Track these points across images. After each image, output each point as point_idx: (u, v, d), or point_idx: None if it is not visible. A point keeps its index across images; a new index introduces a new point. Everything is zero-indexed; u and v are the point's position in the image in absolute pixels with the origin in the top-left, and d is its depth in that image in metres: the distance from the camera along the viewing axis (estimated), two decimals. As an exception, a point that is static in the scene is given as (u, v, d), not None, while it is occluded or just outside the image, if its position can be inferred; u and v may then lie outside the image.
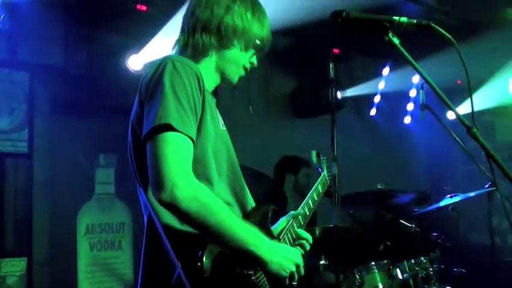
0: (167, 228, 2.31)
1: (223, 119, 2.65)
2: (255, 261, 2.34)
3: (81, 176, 5.84)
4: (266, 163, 6.03)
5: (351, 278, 4.89)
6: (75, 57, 5.69)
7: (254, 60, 2.75)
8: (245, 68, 2.72)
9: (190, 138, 2.25)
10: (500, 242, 6.54)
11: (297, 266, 2.49)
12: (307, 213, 3.10)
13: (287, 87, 7.42)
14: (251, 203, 2.71)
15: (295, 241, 2.84)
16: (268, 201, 2.77)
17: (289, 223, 2.87)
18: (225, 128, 2.62)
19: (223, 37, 2.59)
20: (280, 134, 6.99)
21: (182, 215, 2.20)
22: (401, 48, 2.42)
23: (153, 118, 2.22)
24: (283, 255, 2.43)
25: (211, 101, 2.53)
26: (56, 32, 5.66)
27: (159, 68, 2.34)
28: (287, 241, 2.77)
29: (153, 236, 2.37)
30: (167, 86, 2.27)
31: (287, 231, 2.81)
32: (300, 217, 2.97)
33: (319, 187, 3.41)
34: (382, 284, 4.82)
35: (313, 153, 3.80)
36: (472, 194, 5.49)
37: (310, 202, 3.19)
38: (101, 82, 5.59)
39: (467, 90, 2.57)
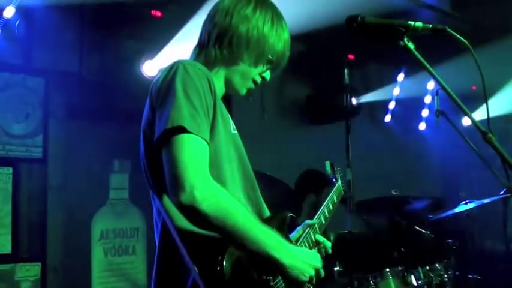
0: (182, 232, 2.29)
1: (235, 124, 2.64)
2: (274, 266, 2.30)
3: (95, 181, 5.84)
4: (280, 169, 5.99)
5: (365, 284, 4.85)
6: (90, 63, 5.73)
7: (267, 75, 2.70)
8: (255, 82, 2.67)
9: (205, 140, 2.23)
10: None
11: (316, 270, 2.46)
12: (323, 221, 3.08)
13: (302, 93, 7.40)
14: (265, 209, 2.69)
15: (314, 247, 2.82)
16: (282, 207, 2.74)
17: (306, 231, 2.85)
18: (236, 132, 2.60)
19: (234, 50, 2.56)
20: (295, 140, 6.96)
21: (202, 217, 2.15)
22: (417, 53, 2.41)
23: (166, 121, 2.19)
24: (303, 260, 2.39)
25: (222, 105, 2.51)
26: (71, 38, 5.69)
27: (170, 72, 2.33)
28: (305, 248, 2.74)
29: (167, 241, 2.36)
30: (179, 88, 2.25)
31: (304, 239, 2.79)
32: (316, 226, 2.94)
33: (334, 197, 3.40)
34: (397, 291, 4.79)
35: (327, 164, 3.79)
36: (487, 201, 5.45)
37: (325, 211, 3.17)
38: (115, 88, 5.61)
39: (482, 97, 2.56)
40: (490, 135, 2.39)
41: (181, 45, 5.22)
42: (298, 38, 6.86)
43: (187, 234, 2.29)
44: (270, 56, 2.63)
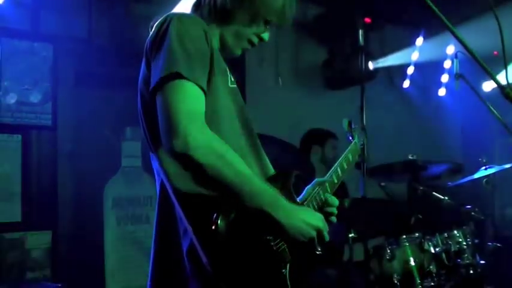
0: (179, 192, 2.20)
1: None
2: (272, 224, 2.20)
3: (106, 149, 5.76)
4: (295, 134, 5.92)
5: (381, 251, 4.77)
6: (99, 28, 5.62)
7: (265, 36, 2.55)
8: (251, 42, 2.54)
9: (201, 88, 2.14)
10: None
11: (319, 232, 2.34)
12: (335, 181, 2.88)
13: (318, 58, 7.26)
14: (270, 168, 2.57)
15: (322, 208, 2.67)
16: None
17: (315, 190, 2.70)
18: (235, 86, 2.47)
19: (227, 8, 2.42)
20: (311, 105, 6.86)
21: (196, 165, 2.06)
22: (435, 8, 2.29)
23: (161, 69, 2.11)
24: (303, 219, 2.28)
25: (219, 57, 2.39)
26: (79, 2, 5.58)
27: (164, 24, 2.23)
28: (312, 208, 2.61)
29: (165, 203, 2.28)
30: (174, 37, 2.16)
31: (312, 199, 2.65)
32: (327, 184, 2.78)
33: (350, 155, 3.22)
34: (414, 258, 4.67)
35: (345, 121, 3.64)
36: (507, 166, 5.31)
37: (338, 170, 2.96)
38: (126, 53, 5.50)
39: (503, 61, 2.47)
40: (508, 89, 2.31)
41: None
42: (313, 1, 6.76)
43: (184, 194, 2.19)
44: (266, 16, 2.48)
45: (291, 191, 2.47)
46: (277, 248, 2.26)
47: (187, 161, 2.06)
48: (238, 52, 2.57)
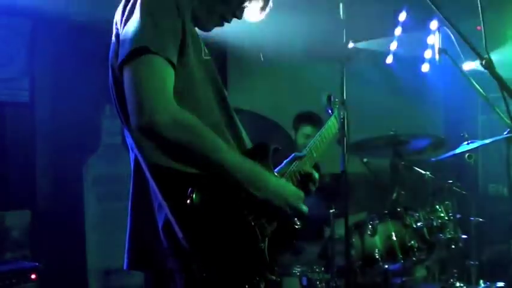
0: (154, 166, 2.16)
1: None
2: (247, 197, 2.16)
3: (86, 126, 5.70)
4: (276, 110, 5.93)
5: (363, 227, 4.77)
6: (77, 4, 5.52)
7: (240, 14, 2.51)
8: (224, 19, 2.50)
9: (171, 62, 2.08)
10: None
11: (296, 206, 2.31)
12: (314, 155, 2.86)
13: (300, 33, 7.19)
14: (247, 141, 2.54)
15: (301, 182, 2.64)
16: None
17: (294, 164, 2.67)
18: (209, 57, 2.42)
19: None
20: (293, 80, 6.82)
21: (163, 142, 2.03)
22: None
23: (129, 43, 2.05)
24: (280, 193, 2.26)
25: (193, 29, 2.34)
26: (57, -23, 5.48)
27: None
28: (290, 182, 2.57)
29: (139, 179, 2.24)
30: (144, 10, 2.10)
31: (291, 172, 2.62)
32: (305, 158, 2.75)
33: (329, 129, 3.20)
34: (396, 233, 4.66)
35: (325, 95, 3.60)
36: (489, 141, 5.29)
37: (317, 143, 2.95)
38: (105, 29, 5.41)
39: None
40: (488, 60, 2.29)
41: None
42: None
43: (159, 168, 2.15)
44: None
45: (269, 164, 2.43)
46: (255, 223, 2.22)
47: (154, 138, 2.03)
48: (210, 28, 2.52)
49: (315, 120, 5.74)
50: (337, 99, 3.64)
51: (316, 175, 2.70)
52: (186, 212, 2.03)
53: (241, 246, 2.17)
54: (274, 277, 2.26)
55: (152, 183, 2.16)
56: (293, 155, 2.74)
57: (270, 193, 2.21)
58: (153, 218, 2.17)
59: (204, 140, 2.06)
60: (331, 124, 3.23)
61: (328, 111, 3.53)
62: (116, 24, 2.23)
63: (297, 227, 2.42)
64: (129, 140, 2.31)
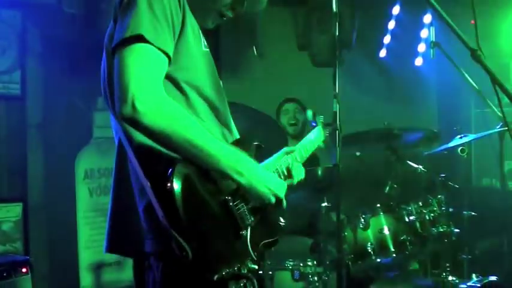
0: (138, 147, 2.16)
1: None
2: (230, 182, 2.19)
3: (78, 119, 5.67)
4: (267, 101, 6.00)
5: (355, 220, 4.76)
6: (69, -5, 5.49)
7: (239, 7, 2.52)
8: (222, 15, 2.51)
9: (164, 52, 2.10)
10: (513, 186, 6.35)
11: (278, 199, 2.34)
12: (303, 154, 2.97)
13: (292, 25, 7.20)
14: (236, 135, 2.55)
15: (287, 176, 2.69)
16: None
17: (282, 158, 2.73)
18: (208, 50, 2.44)
19: None
20: (285, 72, 6.81)
21: (145, 130, 2.04)
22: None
23: (125, 30, 2.07)
24: (264, 183, 2.28)
25: (193, 21, 2.35)
26: (48, -33, 5.44)
27: None
28: (276, 174, 2.61)
29: (122, 161, 2.26)
30: None
31: (278, 165, 2.67)
32: (296, 153, 2.83)
33: (312, 137, 3.29)
34: (388, 227, 4.67)
35: (309, 112, 3.66)
36: (482, 134, 5.29)
37: (301, 150, 3.02)
38: (97, 21, 5.39)
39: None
40: (478, 52, 2.29)
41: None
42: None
43: (142, 146, 2.16)
44: None
45: (254, 157, 2.44)
46: (236, 209, 2.24)
47: (136, 126, 2.04)
48: (208, 24, 2.54)
49: (293, 99, 6.08)
50: (322, 116, 3.68)
51: (302, 172, 2.77)
52: (166, 194, 2.02)
53: (221, 230, 2.18)
54: (256, 267, 2.26)
55: (135, 166, 2.15)
56: (283, 149, 2.80)
57: (253, 179, 2.23)
58: (134, 200, 2.19)
59: (186, 129, 2.07)
60: (315, 134, 3.30)
61: (312, 124, 3.58)
62: (116, 5, 2.24)
63: (281, 224, 2.44)
64: (114, 123, 2.33)
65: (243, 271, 2.16)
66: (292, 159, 2.77)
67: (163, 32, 2.11)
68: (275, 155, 2.75)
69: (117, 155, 2.31)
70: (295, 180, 2.73)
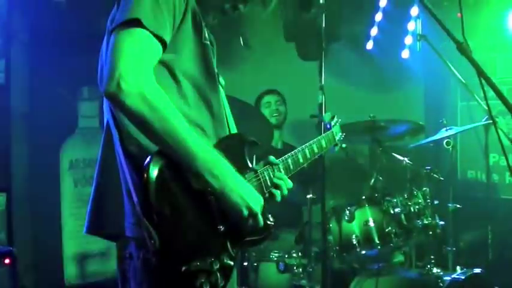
0: (123, 131, 2.18)
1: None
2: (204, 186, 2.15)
3: (62, 109, 5.63)
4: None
5: (340, 212, 4.77)
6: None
7: (241, 6, 2.53)
8: (224, 11, 2.52)
9: (160, 39, 2.11)
10: (499, 179, 6.37)
11: (251, 212, 2.24)
12: (301, 160, 2.84)
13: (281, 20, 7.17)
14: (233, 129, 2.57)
15: (268, 187, 2.54)
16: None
17: (264, 169, 2.56)
18: (208, 42, 2.42)
19: None
20: (274, 63, 6.79)
21: (125, 111, 2.04)
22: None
23: (125, 13, 2.09)
24: (239, 194, 2.20)
25: (196, 10, 2.35)
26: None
27: None
28: (255, 186, 2.45)
29: (108, 142, 2.27)
30: None
31: (260, 176, 2.52)
32: (280, 165, 2.65)
33: (323, 141, 3.15)
34: (373, 219, 4.69)
35: (327, 114, 3.61)
36: (467, 127, 5.32)
37: (307, 152, 2.92)
38: (83, 9, 5.35)
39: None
40: (465, 45, 2.28)
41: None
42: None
43: (128, 132, 2.16)
44: None
45: (240, 157, 2.43)
46: (216, 203, 2.21)
47: (117, 104, 2.04)
48: (210, 20, 2.53)
49: (273, 91, 6.08)
50: (339, 119, 3.62)
51: (287, 185, 2.60)
52: (141, 179, 2.04)
53: (196, 222, 2.16)
54: (232, 263, 2.23)
55: (119, 147, 2.17)
56: (268, 158, 2.63)
57: (227, 185, 2.17)
58: (118, 182, 2.20)
59: (167, 119, 2.05)
60: (328, 138, 3.24)
61: (327, 126, 3.52)
62: None
63: (270, 222, 2.40)
64: (106, 104, 2.32)
65: (215, 266, 2.13)
66: (277, 170, 2.62)
67: (162, 19, 2.13)
68: (259, 164, 2.59)
69: (104, 136, 2.31)
70: (280, 194, 2.57)
